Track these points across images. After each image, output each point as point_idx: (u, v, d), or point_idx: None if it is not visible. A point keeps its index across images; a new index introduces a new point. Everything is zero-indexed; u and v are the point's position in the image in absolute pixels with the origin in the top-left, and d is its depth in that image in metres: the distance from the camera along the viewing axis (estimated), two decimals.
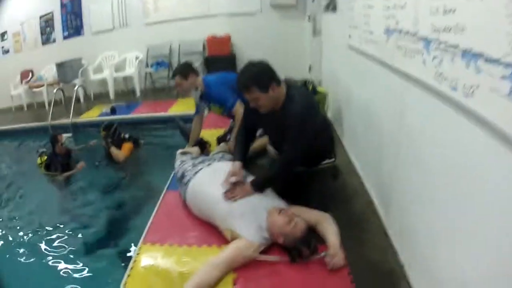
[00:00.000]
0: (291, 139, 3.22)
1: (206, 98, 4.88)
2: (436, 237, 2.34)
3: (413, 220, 2.75)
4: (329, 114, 6.01)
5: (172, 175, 4.57)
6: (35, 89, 9.87)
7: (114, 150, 6.16)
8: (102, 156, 6.45)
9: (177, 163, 4.29)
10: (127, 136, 6.44)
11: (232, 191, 3.33)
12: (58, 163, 6.00)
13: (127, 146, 6.25)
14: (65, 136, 6.34)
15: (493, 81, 1.55)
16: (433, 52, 2.13)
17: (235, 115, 4.65)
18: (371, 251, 3.16)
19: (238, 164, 3.53)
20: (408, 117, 2.72)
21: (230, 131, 5.07)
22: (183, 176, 3.89)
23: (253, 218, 3.16)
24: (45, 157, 6.09)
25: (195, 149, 4.95)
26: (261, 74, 3.14)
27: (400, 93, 2.81)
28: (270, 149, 4.18)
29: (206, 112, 5.29)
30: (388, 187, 3.28)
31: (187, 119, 5.60)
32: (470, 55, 1.71)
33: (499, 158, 1.60)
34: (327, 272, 2.88)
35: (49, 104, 8.79)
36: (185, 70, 4.79)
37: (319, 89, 6.12)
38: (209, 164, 3.89)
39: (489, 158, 1.69)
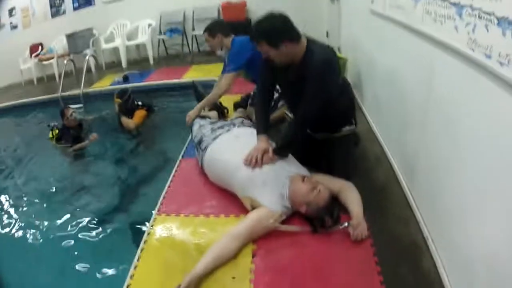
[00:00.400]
0: (308, 93, 3.03)
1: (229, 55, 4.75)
2: (463, 209, 2.25)
3: (439, 191, 2.64)
4: (349, 81, 5.75)
5: (187, 143, 4.50)
6: (45, 62, 9.73)
7: (124, 119, 6.12)
8: (116, 124, 6.36)
9: (195, 126, 4.16)
10: (140, 103, 6.37)
11: (254, 157, 3.18)
12: (69, 136, 5.94)
13: (139, 114, 6.18)
14: (72, 108, 6.20)
15: None
16: (466, 18, 2.01)
17: (221, 82, 4.67)
18: (394, 222, 3.07)
19: (263, 138, 3.33)
20: (436, 85, 2.59)
21: (248, 97, 4.96)
22: (201, 141, 3.76)
23: (275, 186, 3.06)
24: (57, 131, 6.04)
25: (214, 114, 4.86)
26: (273, 31, 2.94)
27: (428, 60, 2.67)
28: (289, 115, 4.00)
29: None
30: (412, 156, 3.16)
31: (204, 85, 5.47)
32: (506, 23, 1.61)
33: None
34: (349, 243, 2.80)
35: (60, 76, 8.62)
36: (214, 29, 4.69)
37: (338, 55, 5.88)
38: (228, 130, 3.75)
39: None
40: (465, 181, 2.20)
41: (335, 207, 2.95)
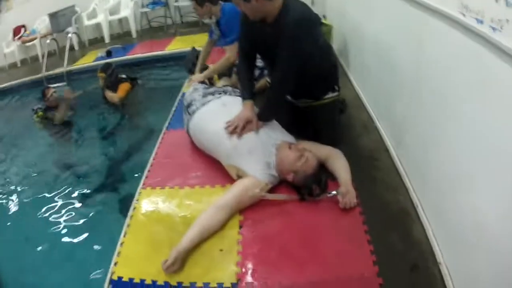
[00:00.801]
0: (281, 56, 2.91)
1: (218, 25, 4.68)
2: (453, 177, 2.22)
3: (429, 159, 2.61)
4: (334, 48, 5.70)
5: (171, 114, 4.45)
6: (28, 44, 9.57)
7: (108, 93, 6.08)
8: (101, 99, 6.32)
9: (190, 89, 4.06)
10: (124, 76, 6.34)
11: (234, 125, 3.10)
12: (53, 115, 5.94)
13: (123, 87, 6.14)
14: (53, 88, 6.22)
15: None
16: None
17: (226, 53, 4.59)
18: (383, 189, 3.03)
19: (248, 105, 3.22)
20: (426, 52, 2.54)
21: (233, 64, 4.82)
22: (190, 104, 3.66)
23: (261, 154, 3.00)
24: (41, 113, 6.04)
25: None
26: None
27: (417, 26, 2.62)
28: (269, 81, 3.87)
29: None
30: (401, 123, 3.13)
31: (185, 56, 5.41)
32: None
33: None
34: (338, 211, 2.77)
35: (43, 57, 8.51)
36: None
37: (324, 21, 5.90)
38: (218, 97, 3.62)
39: None
40: (456, 149, 2.16)
41: (322, 174, 2.91)
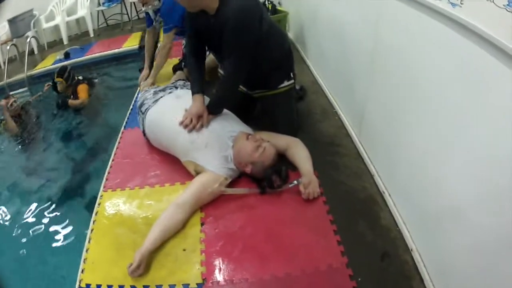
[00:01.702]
0: (227, 48, 2.85)
1: (158, 12, 4.64)
2: (420, 162, 2.20)
3: (393, 143, 2.60)
4: (291, 34, 5.84)
5: (128, 112, 4.37)
6: None
7: (73, 102, 5.92)
8: (57, 102, 6.18)
9: (140, 94, 4.03)
10: (80, 77, 6.22)
11: (189, 119, 3.04)
12: (15, 122, 5.79)
13: (81, 88, 5.99)
14: (14, 97, 6.06)
15: None
16: None
17: (162, 40, 4.63)
18: (347, 177, 3.01)
19: (198, 98, 3.14)
20: (384, 31, 2.52)
21: (184, 58, 4.82)
22: (142, 104, 3.60)
23: (218, 148, 2.95)
24: (4, 122, 5.86)
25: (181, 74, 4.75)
26: None
27: (374, 6, 2.60)
28: (221, 72, 3.77)
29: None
30: (361, 107, 3.10)
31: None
32: None
33: (493, 71, 1.47)
34: (301, 202, 2.74)
35: (4, 63, 8.45)
36: None
37: (279, 8, 5.95)
38: (170, 92, 3.56)
39: (481, 70, 1.55)
40: (420, 132, 2.15)
41: (282, 165, 2.87)
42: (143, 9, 4.65)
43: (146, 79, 4.86)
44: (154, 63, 4.76)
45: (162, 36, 4.64)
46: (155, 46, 5.20)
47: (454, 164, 1.83)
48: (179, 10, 4.26)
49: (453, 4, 1.59)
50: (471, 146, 1.67)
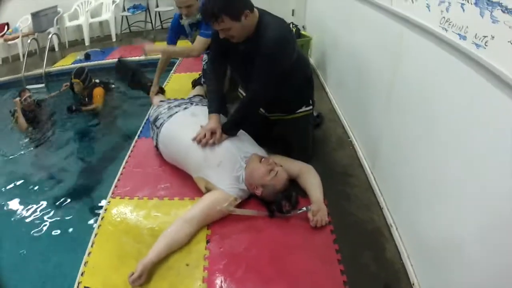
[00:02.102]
0: (258, 72, 2.85)
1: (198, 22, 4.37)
2: (429, 196, 2.20)
3: (404, 177, 2.59)
4: (313, 60, 5.84)
5: (144, 122, 4.38)
6: (10, 42, 9.38)
7: (86, 108, 5.94)
8: (68, 107, 6.14)
9: (154, 108, 4.02)
10: (97, 81, 6.20)
11: (202, 134, 3.05)
12: (26, 117, 5.81)
13: (97, 92, 5.98)
14: (29, 92, 6.04)
15: None
16: None
17: (195, 43, 4.30)
18: (356, 207, 3.00)
19: (214, 117, 3.16)
20: (404, 66, 2.53)
21: (204, 74, 4.73)
22: (156, 119, 3.61)
23: (231, 168, 2.96)
24: (17, 116, 5.89)
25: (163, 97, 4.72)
26: (231, 1, 2.67)
27: (397, 40, 2.60)
28: (241, 93, 3.77)
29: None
30: (376, 139, 3.10)
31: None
32: (484, 2, 1.54)
33: (509, 113, 1.47)
34: (308, 229, 2.74)
35: (24, 56, 8.44)
36: None
37: (303, 33, 5.95)
38: (185, 108, 3.57)
39: (501, 112, 1.53)
40: (431, 168, 2.14)
41: (293, 190, 2.87)
42: (181, 21, 4.43)
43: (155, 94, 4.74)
44: (175, 47, 4.54)
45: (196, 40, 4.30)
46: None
47: (459, 203, 1.84)
48: None
49: (478, 45, 1.59)
50: (478, 187, 1.68)
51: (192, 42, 4.50)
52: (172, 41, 4.57)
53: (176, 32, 4.55)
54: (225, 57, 3.14)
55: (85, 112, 5.89)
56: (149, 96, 4.83)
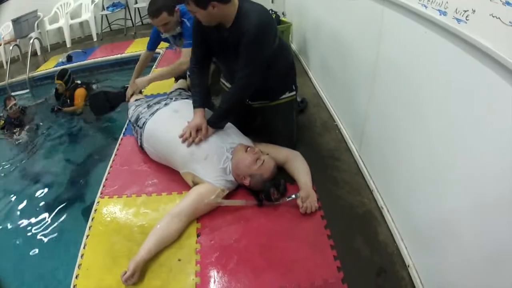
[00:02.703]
0: (244, 60, 2.84)
1: (181, 32, 4.28)
2: (419, 176, 2.19)
3: (393, 158, 2.59)
4: (294, 45, 5.86)
5: (128, 119, 4.33)
6: None
7: (67, 109, 6.05)
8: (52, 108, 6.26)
9: (131, 108, 3.96)
10: (78, 82, 6.24)
11: (188, 132, 3.03)
12: (12, 124, 5.88)
13: (78, 93, 6.03)
14: (14, 99, 6.07)
15: (494, 6, 1.37)
16: None
17: (181, 55, 4.24)
18: (346, 192, 2.99)
19: (199, 113, 3.14)
20: (386, 46, 2.51)
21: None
22: (138, 119, 3.59)
23: (217, 160, 2.94)
24: (2, 122, 5.96)
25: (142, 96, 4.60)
26: None
27: (377, 19, 2.57)
28: (225, 84, 3.70)
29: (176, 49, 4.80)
30: (362, 121, 3.09)
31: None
32: None
33: (495, 88, 1.45)
34: (299, 216, 2.72)
35: (7, 63, 8.35)
36: (168, 5, 3.93)
37: (283, 19, 5.96)
38: (166, 104, 3.55)
39: (483, 87, 1.53)
40: (420, 147, 2.13)
41: (281, 178, 2.87)
42: (162, 35, 4.34)
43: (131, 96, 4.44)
44: (162, 69, 4.41)
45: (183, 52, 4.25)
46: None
47: (449, 180, 1.83)
48: None
49: (458, 20, 1.58)
50: (467, 163, 1.67)
51: (176, 50, 4.59)
52: (152, 48, 4.58)
53: (155, 41, 4.54)
54: (207, 48, 3.12)
55: (66, 112, 5.99)
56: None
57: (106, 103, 4.73)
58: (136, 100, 4.11)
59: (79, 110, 5.96)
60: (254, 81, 2.91)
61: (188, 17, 4.08)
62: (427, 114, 2.00)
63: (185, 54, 4.07)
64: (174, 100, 3.62)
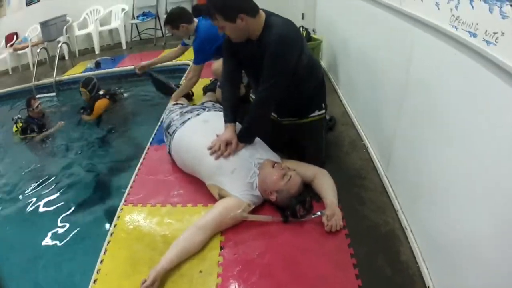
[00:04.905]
0: (265, 73, 2.83)
1: (194, 44, 4.59)
2: (444, 198, 2.17)
3: (418, 178, 2.55)
4: (324, 63, 5.84)
5: (156, 129, 4.37)
6: (19, 51, 9.52)
7: (84, 117, 6.09)
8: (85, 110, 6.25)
9: (166, 112, 4.03)
10: (101, 92, 6.23)
11: (217, 145, 3.03)
12: (34, 124, 5.88)
13: (98, 104, 6.06)
14: (39, 100, 6.17)
15: None
16: None
17: (190, 73, 4.69)
18: (370, 211, 2.97)
19: (230, 127, 3.14)
20: (416, 66, 2.49)
21: (217, 80, 4.80)
22: (169, 126, 3.61)
23: (244, 174, 2.94)
24: (21, 124, 5.94)
25: (184, 100, 4.72)
26: (228, 3, 2.72)
27: (407, 40, 2.57)
28: (252, 98, 3.75)
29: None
30: (389, 142, 3.06)
31: (173, 70, 5.37)
32: None
33: None
34: (323, 233, 2.70)
35: (33, 65, 8.40)
36: (175, 21, 4.45)
37: (313, 36, 5.93)
38: (198, 114, 3.56)
39: (511, 110, 1.51)
40: (447, 169, 2.10)
41: (307, 195, 2.85)
42: (186, 41, 4.79)
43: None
44: (179, 90, 4.79)
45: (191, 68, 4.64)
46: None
47: (474, 203, 1.81)
48: (213, 43, 4.32)
49: (488, 42, 1.57)
50: (493, 186, 1.65)
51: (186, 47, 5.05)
52: (183, 44, 5.08)
53: None
54: (237, 61, 3.13)
55: (84, 121, 6.02)
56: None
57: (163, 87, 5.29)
58: (174, 104, 4.16)
59: (91, 120, 6.02)
60: (274, 95, 2.90)
61: (200, 34, 4.40)
62: (455, 136, 1.98)
63: (193, 70, 4.60)
64: (207, 111, 3.63)
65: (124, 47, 9.41)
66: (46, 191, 4.50)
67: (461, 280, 1.98)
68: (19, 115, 5.99)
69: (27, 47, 9.27)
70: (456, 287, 2.04)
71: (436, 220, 2.27)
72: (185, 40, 4.78)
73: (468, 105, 1.83)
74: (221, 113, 3.27)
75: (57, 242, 3.63)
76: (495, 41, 1.52)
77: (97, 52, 9.39)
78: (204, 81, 5.15)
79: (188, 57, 5.70)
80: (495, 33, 1.51)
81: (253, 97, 3.58)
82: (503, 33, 1.46)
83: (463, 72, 1.86)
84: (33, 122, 5.87)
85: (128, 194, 3.40)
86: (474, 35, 1.67)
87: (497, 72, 1.54)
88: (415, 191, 2.61)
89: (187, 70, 4.78)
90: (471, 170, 1.83)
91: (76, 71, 8.11)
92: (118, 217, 3.14)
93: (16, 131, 5.93)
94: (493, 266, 1.67)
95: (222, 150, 2.99)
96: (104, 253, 2.80)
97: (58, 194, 4.42)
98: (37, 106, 5.88)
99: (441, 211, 2.19)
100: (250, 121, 3.09)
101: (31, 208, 4.21)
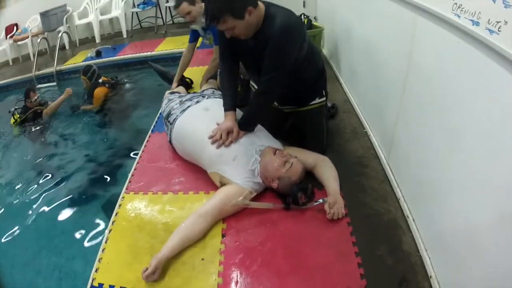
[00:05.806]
0: (268, 64, 2.79)
1: (208, 27, 4.47)
2: (446, 187, 2.14)
3: (420, 166, 2.54)
4: (325, 50, 5.82)
5: (157, 117, 4.37)
6: (20, 42, 9.58)
7: (85, 107, 6.15)
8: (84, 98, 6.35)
9: (164, 102, 3.99)
10: (100, 80, 6.27)
11: (218, 134, 3.01)
12: (31, 113, 5.97)
13: (97, 93, 6.09)
14: (37, 94, 6.24)
15: None
16: None
17: (214, 51, 4.54)
18: (372, 199, 2.95)
19: (230, 115, 3.13)
20: (418, 54, 2.47)
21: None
22: (169, 114, 3.58)
23: (245, 161, 2.92)
24: (18, 115, 6.00)
25: (182, 89, 4.68)
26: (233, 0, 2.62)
27: (409, 28, 2.54)
28: (254, 86, 3.74)
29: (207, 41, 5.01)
30: (391, 129, 3.04)
31: (174, 58, 5.34)
32: None
33: None
34: (325, 221, 2.69)
35: (34, 55, 8.47)
36: None
37: (315, 24, 5.88)
38: (197, 102, 3.54)
39: None
40: (449, 158, 2.09)
41: (309, 182, 2.84)
42: (191, 26, 4.59)
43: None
44: (205, 73, 4.70)
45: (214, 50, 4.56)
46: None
47: (477, 193, 1.80)
48: None
49: (491, 31, 1.55)
50: (496, 176, 1.64)
51: (206, 43, 4.92)
52: (192, 40, 4.87)
53: (193, 33, 4.81)
54: (235, 52, 3.10)
55: (85, 110, 6.07)
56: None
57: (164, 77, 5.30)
58: (172, 93, 4.15)
59: (95, 109, 6.04)
60: (278, 86, 2.88)
61: None
62: (457, 124, 1.97)
63: (216, 51, 4.36)
64: (207, 98, 3.60)
65: (124, 35, 9.42)
66: (46, 180, 4.54)
67: (463, 271, 1.97)
68: (16, 107, 6.04)
69: (27, 37, 9.30)
70: (458, 277, 2.02)
71: (438, 210, 2.27)
72: (192, 26, 4.61)
73: (470, 93, 1.82)
74: (221, 101, 3.24)
75: (59, 231, 3.65)
76: (498, 30, 1.50)
77: (97, 41, 9.42)
78: (204, 69, 5.06)
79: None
80: (498, 22, 1.49)
81: (253, 84, 3.57)
82: (506, 22, 1.45)
83: (465, 61, 1.84)
84: (30, 111, 5.95)
85: (129, 182, 3.40)
86: (477, 24, 1.65)
87: (500, 61, 1.52)
88: (417, 179, 2.59)
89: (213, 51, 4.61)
90: (474, 160, 1.81)
91: (77, 60, 8.16)
92: (120, 205, 3.14)
93: (14, 122, 5.96)
94: (493, 258, 1.67)
95: (223, 139, 2.97)
96: (106, 242, 2.81)
97: (59, 183, 4.45)
98: (36, 99, 5.96)
99: (444, 201, 2.18)
100: (251, 111, 3.09)
101: (32, 197, 4.22)
